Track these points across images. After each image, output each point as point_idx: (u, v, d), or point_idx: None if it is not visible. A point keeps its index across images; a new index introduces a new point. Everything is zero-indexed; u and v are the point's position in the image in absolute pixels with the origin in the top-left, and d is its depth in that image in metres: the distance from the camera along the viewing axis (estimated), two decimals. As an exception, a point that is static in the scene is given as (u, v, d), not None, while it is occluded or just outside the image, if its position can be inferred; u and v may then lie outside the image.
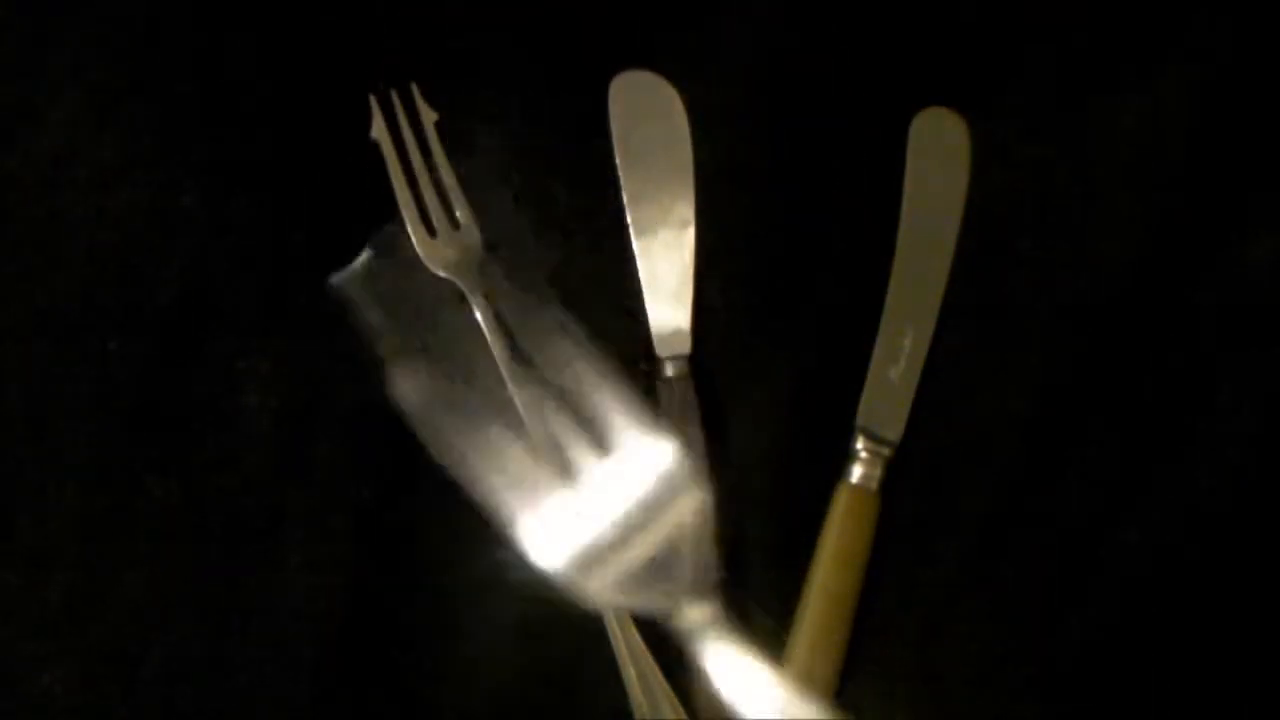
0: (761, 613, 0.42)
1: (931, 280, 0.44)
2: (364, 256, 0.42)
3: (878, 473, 0.43)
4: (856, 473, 0.43)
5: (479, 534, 0.42)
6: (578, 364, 0.37)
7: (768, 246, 0.46)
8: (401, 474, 0.43)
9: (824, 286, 0.45)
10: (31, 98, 0.45)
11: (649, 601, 0.34)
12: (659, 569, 0.35)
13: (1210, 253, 0.45)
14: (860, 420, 0.43)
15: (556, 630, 0.42)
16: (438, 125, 0.44)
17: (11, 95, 0.45)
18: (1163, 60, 0.46)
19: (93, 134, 0.45)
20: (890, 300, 0.44)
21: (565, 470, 0.36)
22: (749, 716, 0.32)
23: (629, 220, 0.45)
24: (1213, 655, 0.43)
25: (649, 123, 0.45)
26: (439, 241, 0.43)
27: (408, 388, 0.37)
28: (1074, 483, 0.44)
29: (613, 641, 0.41)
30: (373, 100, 0.44)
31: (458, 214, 0.43)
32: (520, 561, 0.34)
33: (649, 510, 0.35)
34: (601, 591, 0.34)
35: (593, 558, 0.34)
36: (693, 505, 0.35)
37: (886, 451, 0.43)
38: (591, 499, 0.35)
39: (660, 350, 0.44)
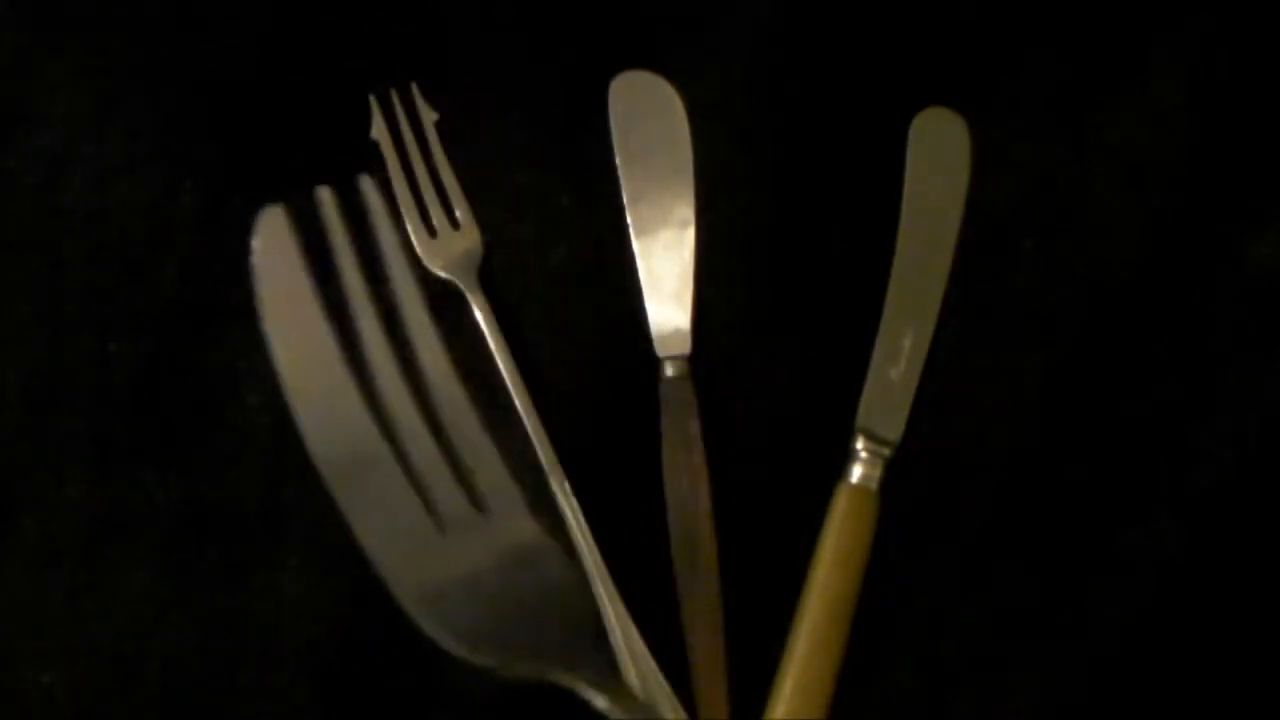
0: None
1: (931, 280, 0.44)
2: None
3: (878, 473, 0.43)
4: (856, 473, 0.43)
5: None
6: (460, 409, 0.37)
7: (768, 246, 0.46)
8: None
9: (824, 286, 0.45)
10: (31, 98, 0.45)
11: (523, 665, 0.36)
12: (528, 630, 0.36)
13: (1211, 253, 0.45)
14: (860, 420, 0.43)
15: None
16: (438, 125, 0.44)
17: (11, 95, 0.45)
18: (1163, 61, 0.46)
19: (93, 134, 0.45)
20: (890, 300, 0.44)
21: (438, 519, 0.36)
22: None
23: (629, 220, 0.45)
24: (1214, 655, 0.43)
25: (649, 123, 0.45)
26: (439, 242, 0.43)
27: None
28: (1074, 483, 0.44)
29: (613, 643, 0.41)
30: (373, 100, 0.44)
31: (458, 214, 0.44)
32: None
33: (516, 570, 0.36)
34: (473, 650, 0.35)
35: (460, 614, 0.36)
36: (560, 570, 0.36)
37: (886, 451, 0.43)
38: (460, 552, 0.36)
39: (660, 350, 0.44)
